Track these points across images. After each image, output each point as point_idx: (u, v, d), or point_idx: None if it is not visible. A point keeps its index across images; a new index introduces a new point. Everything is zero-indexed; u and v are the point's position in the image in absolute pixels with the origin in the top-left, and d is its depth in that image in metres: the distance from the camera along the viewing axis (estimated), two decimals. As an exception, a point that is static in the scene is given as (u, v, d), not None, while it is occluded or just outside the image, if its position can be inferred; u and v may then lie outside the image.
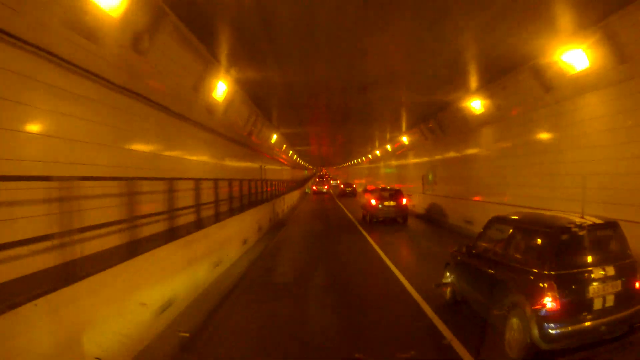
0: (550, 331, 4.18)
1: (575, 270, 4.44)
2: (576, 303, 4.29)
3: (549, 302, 4.26)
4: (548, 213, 5.78)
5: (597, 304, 4.28)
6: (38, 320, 3.33)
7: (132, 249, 5.13)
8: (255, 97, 14.15)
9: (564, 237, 4.59)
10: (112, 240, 5.34)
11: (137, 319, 4.95)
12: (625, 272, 4.46)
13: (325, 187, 50.11)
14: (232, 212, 10.96)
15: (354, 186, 45.38)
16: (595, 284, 4.31)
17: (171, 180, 6.93)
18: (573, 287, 4.35)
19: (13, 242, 3.52)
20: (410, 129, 21.40)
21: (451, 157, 17.30)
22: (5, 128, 4.21)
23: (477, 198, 14.16)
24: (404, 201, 17.67)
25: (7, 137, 4.20)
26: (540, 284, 4.41)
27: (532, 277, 4.58)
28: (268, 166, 22.29)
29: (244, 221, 12.13)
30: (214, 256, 8.56)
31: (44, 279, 3.77)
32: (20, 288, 3.60)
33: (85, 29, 5.37)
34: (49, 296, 3.45)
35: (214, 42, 8.84)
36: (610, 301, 4.32)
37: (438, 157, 19.04)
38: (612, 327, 4.29)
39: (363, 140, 30.66)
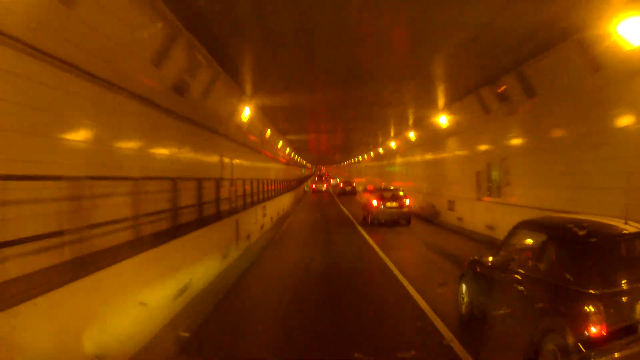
0: (594, 362, 3.46)
1: (625, 288, 3.80)
2: (626, 327, 3.63)
3: (593, 328, 3.60)
4: (585, 218, 4.91)
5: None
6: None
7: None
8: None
9: (612, 248, 3.97)
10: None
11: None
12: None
13: (325, 185, 52.33)
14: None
15: (354, 185, 46.32)
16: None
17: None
18: (622, 308, 3.71)
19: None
20: (451, 102, 15.69)
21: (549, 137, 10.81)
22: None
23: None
24: (407, 202, 17.36)
25: None
26: (583, 306, 3.74)
27: (572, 297, 3.90)
28: (237, 160, 15.81)
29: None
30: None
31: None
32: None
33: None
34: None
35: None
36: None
37: (515, 140, 12.71)
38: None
39: (365, 137, 30.25)
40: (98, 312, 4.29)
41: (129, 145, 7.12)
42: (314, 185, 53.01)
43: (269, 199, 18.34)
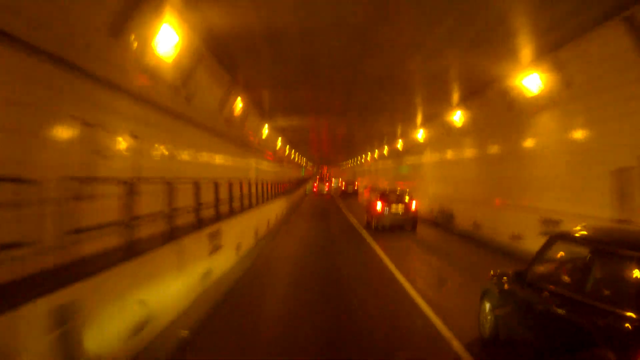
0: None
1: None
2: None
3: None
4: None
5: None
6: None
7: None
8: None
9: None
10: None
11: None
12: None
13: (327, 187, 52.19)
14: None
15: (356, 186, 47.16)
16: None
17: None
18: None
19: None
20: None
21: None
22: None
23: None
24: (414, 206, 16.48)
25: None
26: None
27: (627, 325, 3.22)
28: (183, 155, 10.03)
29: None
30: None
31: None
32: None
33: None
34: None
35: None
36: None
37: None
38: None
39: (371, 133, 28.97)
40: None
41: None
42: (315, 188, 52.65)
43: (246, 209, 12.52)
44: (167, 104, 8.43)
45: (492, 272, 5.44)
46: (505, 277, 5.19)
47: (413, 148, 25.44)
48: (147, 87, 7.37)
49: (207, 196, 8.73)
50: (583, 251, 4.02)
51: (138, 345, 4.78)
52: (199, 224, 7.88)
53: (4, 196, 3.79)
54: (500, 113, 12.99)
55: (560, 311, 3.91)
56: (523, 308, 4.63)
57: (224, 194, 10.10)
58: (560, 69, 9.54)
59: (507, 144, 13.37)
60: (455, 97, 14.88)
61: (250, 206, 13.24)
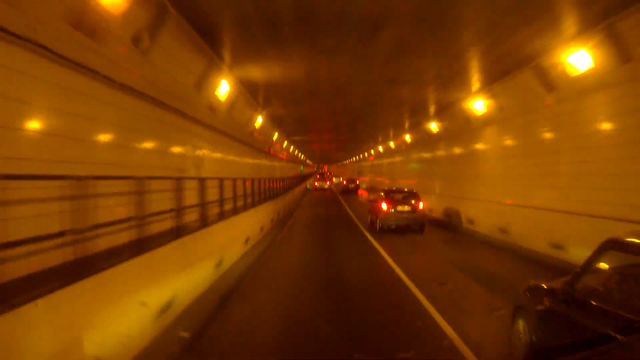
0: None
1: None
2: None
3: None
4: None
5: None
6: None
7: None
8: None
9: None
10: None
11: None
12: None
13: (327, 183, 55.90)
14: None
15: (357, 182, 47.98)
16: None
17: None
18: None
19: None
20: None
21: None
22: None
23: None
24: (421, 205, 15.80)
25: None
26: None
27: None
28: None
29: None
30: None
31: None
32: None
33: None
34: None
35: None
36: None
37: None
38: None
39: (372, 130, 27.76)
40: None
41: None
42: (316, 183, 54.67)
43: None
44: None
45: (526, 285, 4.84)
46: (543, 291, 4.49)
47: (423, 142, 23.89)
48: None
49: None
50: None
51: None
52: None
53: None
54: (538, 96, 11.41)
55: (617, 336, 2.89)
56: (570, 330, 3.83)
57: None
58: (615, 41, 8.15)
59: (553, 133, 11.36)
60: (476, 82, 13.56)
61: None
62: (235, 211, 11.05)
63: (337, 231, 16.88)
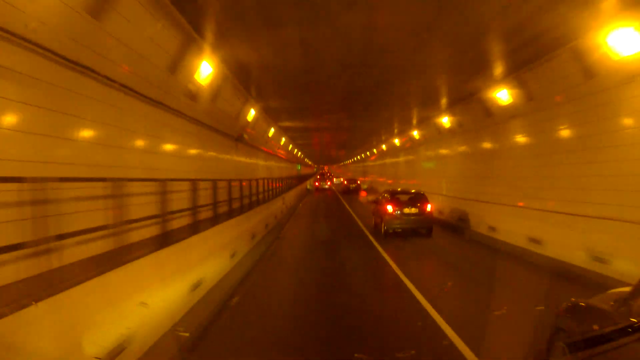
0: None
1: None
2: None
3: None
4: None
5: None
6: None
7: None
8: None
9: None
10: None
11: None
12: None
13: (328, 183, 56.10)
14: None
15: (358, 182, 47.62)
16: None
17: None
18: None
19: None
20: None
21: None
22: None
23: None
24: (429, 207, 14.92)
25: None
26: None
27: None
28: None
29: None
30: None
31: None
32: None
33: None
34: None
35: None
36: None
37: None
38: None
39: (374, 128, 26.06)
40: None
41: None
42: (317, 184, 55.18)
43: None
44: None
45: (566, 305, 4.22)
46: (588, 313, 3.90)
47: (432, 139, 21.78)
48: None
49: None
50: None
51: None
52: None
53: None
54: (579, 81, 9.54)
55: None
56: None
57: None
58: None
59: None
60: (498, 68, 11.75)
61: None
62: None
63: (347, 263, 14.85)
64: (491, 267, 10.12)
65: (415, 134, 24.11)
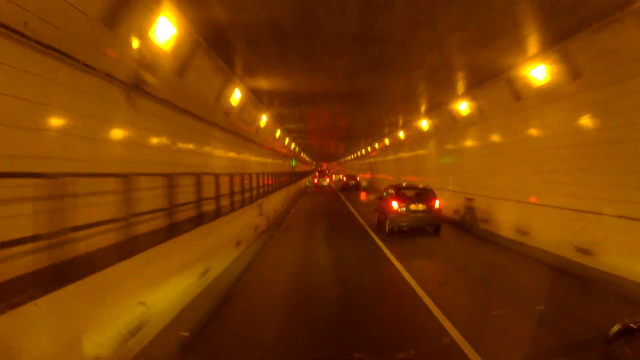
0: None
1: None
2: None
3: None
4: None
5: None
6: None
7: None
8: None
9: None
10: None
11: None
12: None
13: (327, 180, 55.02)
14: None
15: (358, 179, 46.10)
16: None
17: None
18: None
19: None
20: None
21: None
22: None
23: None
24: (437, 204, 14.05)
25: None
26: None
27: None
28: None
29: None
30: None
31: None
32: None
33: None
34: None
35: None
36: None
37: None
38: None
39: (375, 122, 24.18)
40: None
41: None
42: (315, 181, 55.01)
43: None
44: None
45: (617, 328, 2.76)
46: None
47: (443, 130, 19.46)
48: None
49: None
50: None
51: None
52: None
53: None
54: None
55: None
56: None
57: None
58: None
59: None
60: (533, 43, 9.54)
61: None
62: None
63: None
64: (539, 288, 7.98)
65: (424, 124, 21.61)
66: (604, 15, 7.74)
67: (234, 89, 12.86)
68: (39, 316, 3.31)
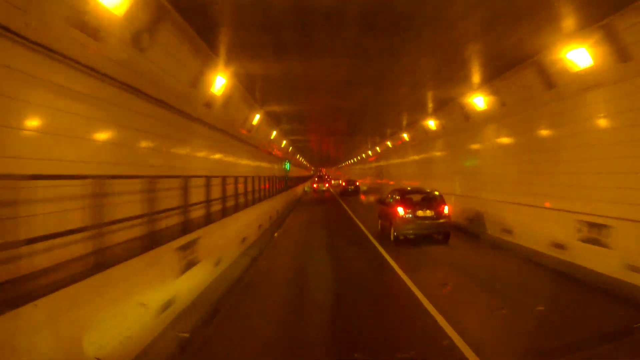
0: None
1: None
2: None
3: None
4: None
5: None
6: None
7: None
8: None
9: None
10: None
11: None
12: None
13: (326, 185, 54.66)
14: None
15: (357, 184, 44.85)
16: None
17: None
18: None
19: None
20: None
21: None
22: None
23: None
24: (446, 210, 13.04)
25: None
26: None
27: None
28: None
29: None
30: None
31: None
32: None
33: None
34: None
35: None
36: None
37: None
38: None
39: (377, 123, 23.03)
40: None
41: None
42: (315, 186, 54.54)
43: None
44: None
45: None
46: None
47: (455, 129, 17.56)
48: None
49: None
50: None
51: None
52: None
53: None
54: None
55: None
56: None
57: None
58: None
59: None
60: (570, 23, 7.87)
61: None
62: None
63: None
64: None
65: (432, 124, 19.81)
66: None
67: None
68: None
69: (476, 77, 12.61)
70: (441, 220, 12.78)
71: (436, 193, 13.61)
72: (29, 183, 4.10)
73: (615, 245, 8.15)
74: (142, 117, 7.82)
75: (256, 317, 6.73)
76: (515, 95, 12.09)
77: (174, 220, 7.45)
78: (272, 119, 20.94)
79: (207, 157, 12.22)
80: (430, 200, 13.28)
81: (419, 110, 18.79)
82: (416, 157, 25.10)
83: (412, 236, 12.87)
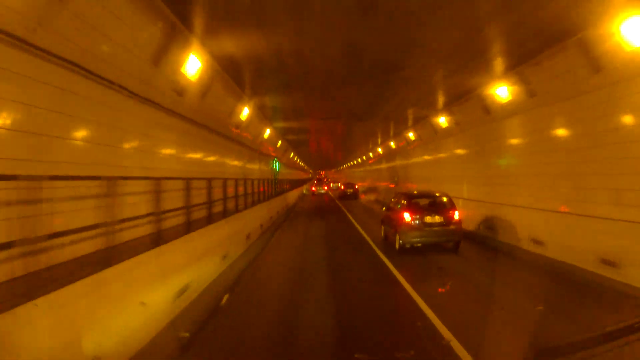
0: None
1: None
2: None
3: None
4: None
5: None
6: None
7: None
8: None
9: None
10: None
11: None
12: None
13: (325, 188, 56.19)
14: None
15: (356, 187, 44.47)
16: None
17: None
18: None
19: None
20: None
21: None
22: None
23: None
24: (456, 215, 12.07)
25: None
26: None
27: None
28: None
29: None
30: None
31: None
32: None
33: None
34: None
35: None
36: None
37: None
38: None
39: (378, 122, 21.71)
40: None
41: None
42: (313, 188, 55.81)
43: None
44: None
45: None
46: None
47: (470, 124, 15.82)
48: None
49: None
50: None
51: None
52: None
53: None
54: None
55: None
56: None
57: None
58: None
59: None
60: None
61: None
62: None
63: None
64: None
65: (443, 121, 17.97)
66: None
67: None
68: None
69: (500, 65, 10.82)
70: (451, 227, 11.89)
71: (445, 198, 12.61)
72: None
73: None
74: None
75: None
76: (541, 83, 10.26)
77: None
78: (265, 115, 19.25)
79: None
80: (439, 205, 12.39)
81: (425, 107, 16.95)
82: (418, 160, 23.18)
83: (419, 244, 11.87)
